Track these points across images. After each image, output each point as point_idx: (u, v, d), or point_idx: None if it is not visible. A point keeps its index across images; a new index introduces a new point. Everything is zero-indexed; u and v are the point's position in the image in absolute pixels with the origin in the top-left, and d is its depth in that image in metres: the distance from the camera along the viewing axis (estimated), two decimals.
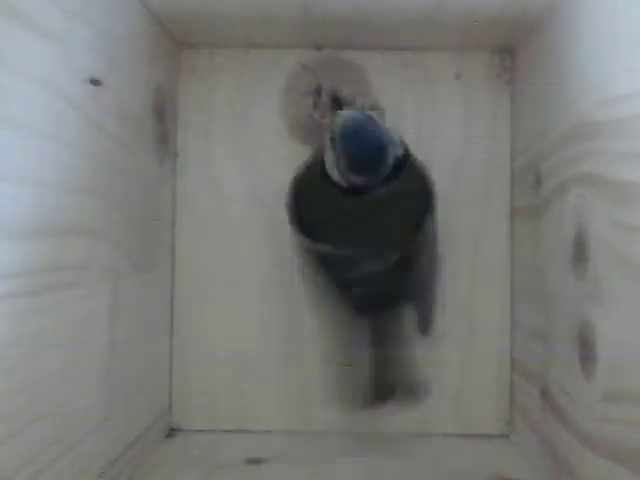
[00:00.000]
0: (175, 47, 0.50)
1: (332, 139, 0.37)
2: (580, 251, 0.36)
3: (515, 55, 0.50)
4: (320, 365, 0.50)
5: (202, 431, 0.50)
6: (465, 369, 0.50)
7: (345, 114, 0.38)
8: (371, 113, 0.38)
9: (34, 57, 0.29)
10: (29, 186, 0.29)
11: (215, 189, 0.51)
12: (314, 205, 0.42)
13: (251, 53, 0.51)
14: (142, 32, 0.43)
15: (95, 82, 0.35)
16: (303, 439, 0.49)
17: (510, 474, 0.42)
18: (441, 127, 0.51)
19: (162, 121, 0.47)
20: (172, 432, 0.50)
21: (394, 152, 0.37)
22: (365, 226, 0.40)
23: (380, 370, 0.45)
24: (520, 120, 0.49)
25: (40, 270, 0.29)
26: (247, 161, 0.51)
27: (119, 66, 0.38)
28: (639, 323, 0.30)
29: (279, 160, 0.50)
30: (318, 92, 0.51)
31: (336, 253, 0.43)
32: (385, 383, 0.45)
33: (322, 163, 0.39)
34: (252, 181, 0.50)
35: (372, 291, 0.44)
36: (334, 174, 0.38)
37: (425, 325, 0.47)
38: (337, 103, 0.49)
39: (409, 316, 0.46)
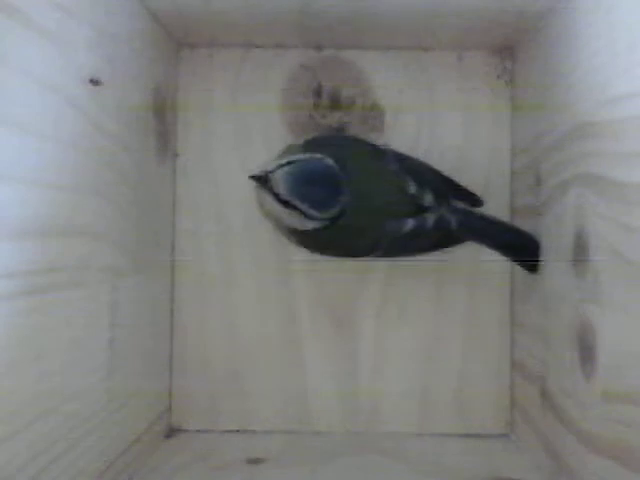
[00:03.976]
0: (175, 47, 0.50)
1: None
2: (580, 251, 0.36)
3: (515, 55, 0.50)
4: (320, 365, 0.50)
5: (202, 431, 0.50)
6: (465, 369, 0.50)
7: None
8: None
9: (34, 57, 0.29)
10: (29, 186, 0.29)
11: (215, 189, 0.51)
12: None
13: (251, 53, 0.51)
14: (142, 32, 0.43)
15: (95, 82, 0.35)
16: (303, 439, 0.49)
17: (510, 474, 0.42)
18: (441, 127, 0.51)
19: (162, 121, 0.47)
20: (172, 432, 0.50)
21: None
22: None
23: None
24: (520, 120, 0.49)
25: (40, 270, 0.29)
26: (247, 161, 0.51)
27: (119, 66, 0.38)
28: (639, 323, 0.30)
29: None
30: (318, 92, 0.51)
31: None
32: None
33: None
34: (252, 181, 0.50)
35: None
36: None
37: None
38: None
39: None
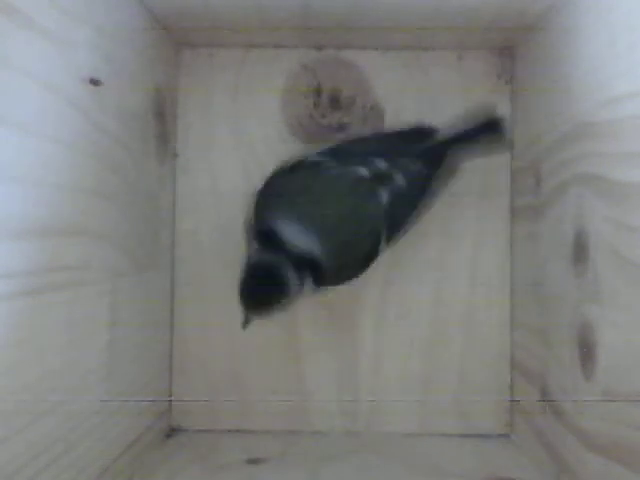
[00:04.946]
0: (175, 47, 0.50)
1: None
2: (580, 251, 0.36)
3: (515, 55, 0.50)
4: (320, 364, 0.50)
5: (202, 431, 0.50)
6: (465, 369, 0.50)
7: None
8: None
9: (34, 57, 0.29)
10: (29, 186, 0.29)
11: (215, 189, 0.51)
12: None
13: (251, 53, 0.51)
14: (142, 32, 0.43)
15: (95, 82, 0.35)
16: (303, 439, 0.49)
17: (510, 474, 0.42)
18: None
19: (162, 121, 0.47)
20: (172, 432, 0.50)
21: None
22: None
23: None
24: (520, 120, 0.49)
25: (40, 270, 0.29)
26: (247, 161, 0.51)
27: (119, 66, 0.38)
28: (639, 323, 0.30)
29: (279, 160, 0.49)
30: (318, 92, 0.51)
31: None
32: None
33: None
34: (252, 181, 0.50)
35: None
36: None
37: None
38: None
39: None
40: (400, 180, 0.43)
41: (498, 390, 0.50)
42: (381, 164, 0.43)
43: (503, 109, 0.51)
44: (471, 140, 0.45)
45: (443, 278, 0.50)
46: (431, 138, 0.46)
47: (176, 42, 0.50)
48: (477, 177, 0.51)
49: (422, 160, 0.44)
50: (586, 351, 0.35)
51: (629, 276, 0.30)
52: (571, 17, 0.38)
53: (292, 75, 0.51)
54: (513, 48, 0.50)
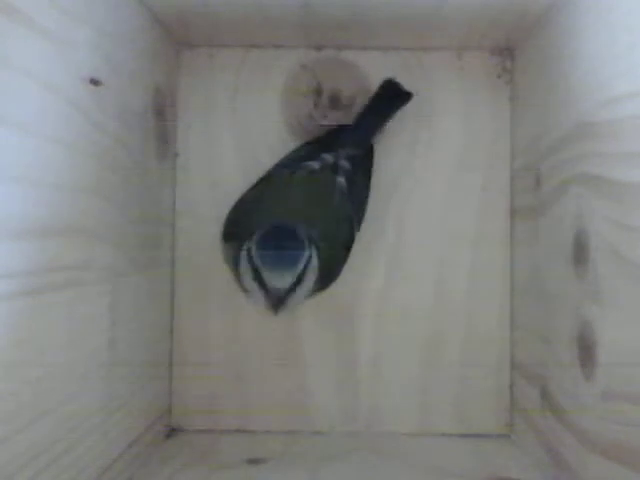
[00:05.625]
0: (175, 47, 0.50)
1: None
2: (580, 251, 0.36)
3: (515, 55, 0.50)
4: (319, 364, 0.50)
5: (202, 431, 0.50)
6: (465, 369, 0.50)
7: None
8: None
9: (34, 57, 0.29)
10: (29, 186, 0.29)
11: (215, 189, 0.51)
12: None
13: (251, 53, 0.51)
14: (142, 32, 0.43)
15: (95, 82, 0.35)
16: (303, 439, 0.49)
17: (510, 474, 0.42)
18: (441, 127, 0.51)
19: (162, 121, 0.47)
20: (172, 432, 0.50)
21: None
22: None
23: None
24: (520, 120, 0.49)
25: (40, 270, 0.29)
26: (247, 161, 0.51)
27: (119, 66, 0.38)
28: (639, 323, 0.30)
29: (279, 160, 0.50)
30: (318, 92, 0.51)
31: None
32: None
33: None
34: (252, 181, 0.50)
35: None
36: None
37: None
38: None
39: None
40: (347, 166, 0.45)
41: (498, 390, 0.50)
42: (327, 157, 0.45)
43: (503, 109, 0.51)
44: (381, 107, 0.49)
45: (443, 278, 0.51)
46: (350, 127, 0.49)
47: (176, 42, 0.50)
48: (477, 177, 0.51)
49: (355, 141, 0.47)
50: (586, 351, 0.35)
51: (629, 276, 0.30)
52: (571, 17, 0.38)
53: (292, 75, 0.51)
54: (513, 48, 0.50)
